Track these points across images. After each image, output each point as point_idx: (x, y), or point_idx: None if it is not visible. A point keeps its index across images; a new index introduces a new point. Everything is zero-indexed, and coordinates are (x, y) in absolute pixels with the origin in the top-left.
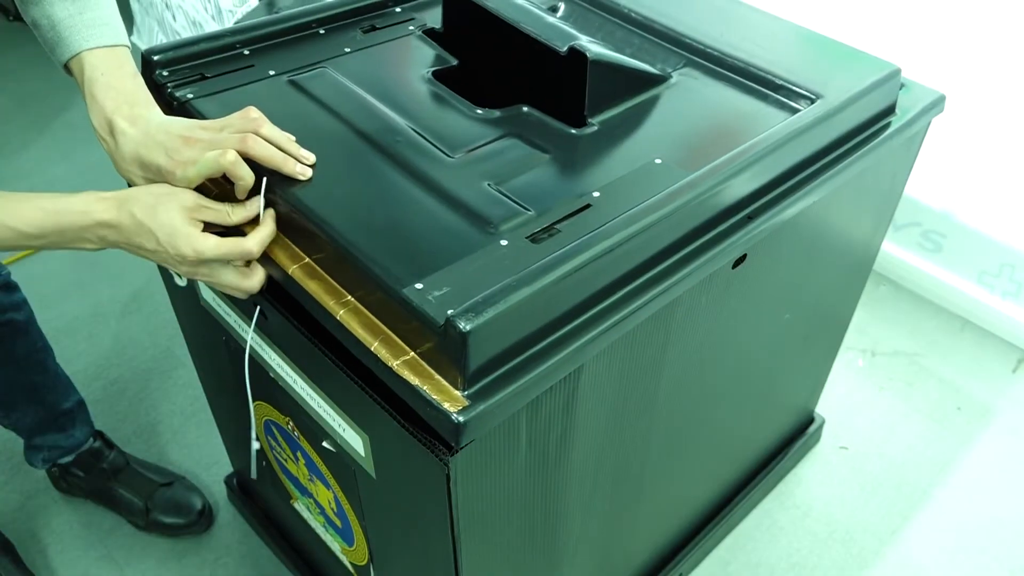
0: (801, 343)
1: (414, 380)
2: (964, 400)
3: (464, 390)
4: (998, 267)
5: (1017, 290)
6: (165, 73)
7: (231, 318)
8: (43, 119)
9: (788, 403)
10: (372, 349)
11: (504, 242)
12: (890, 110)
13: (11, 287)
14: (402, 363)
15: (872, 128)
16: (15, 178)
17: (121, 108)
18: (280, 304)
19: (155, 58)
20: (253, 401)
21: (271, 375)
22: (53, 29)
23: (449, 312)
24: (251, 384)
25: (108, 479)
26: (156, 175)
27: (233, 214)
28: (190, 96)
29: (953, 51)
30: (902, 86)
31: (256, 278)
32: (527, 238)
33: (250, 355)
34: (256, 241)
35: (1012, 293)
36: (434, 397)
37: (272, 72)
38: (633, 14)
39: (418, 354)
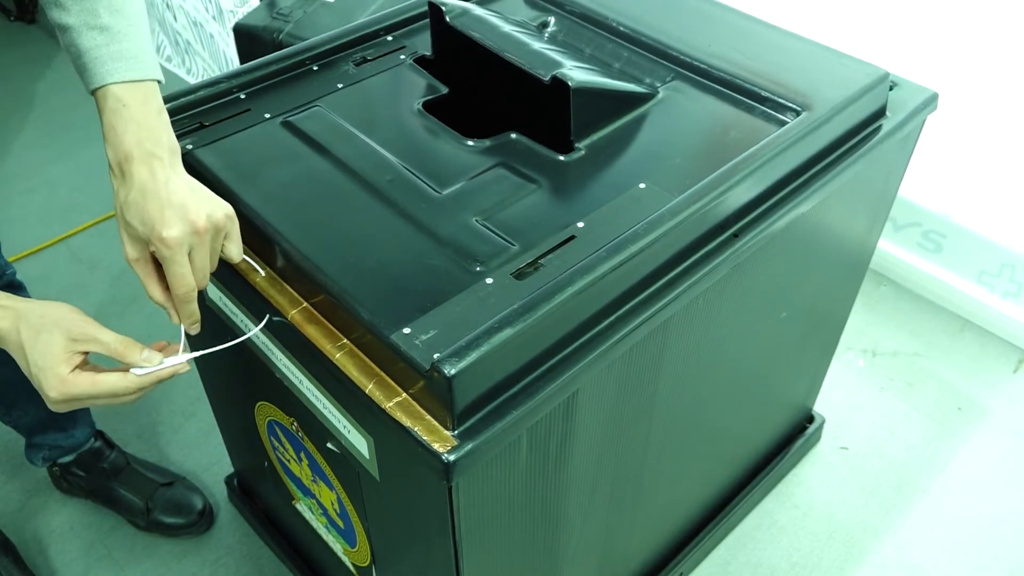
0: (798, 341)
1: (406, 421)
2: (964, 400)
3: (453, 429)
4: (998, 267)
5: (1017, 290)
6: None
7: (238, 318)
8: (43, 119)
9: (786, 401)
10: (367, 391)
11: (490, 280)
12: (880, 113)
13: (15, 286)
14: (395, 405)
15: (862, 133)
16: (15, 178)
17: (143, 144)
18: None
19: None
20: (257, 402)
21: (276, 375)
22: (79, 58)
23: (435, 357)
24: (256, 384)
25: (108, 479)
26: (142, 236)
27: (127, 354)
28: (189, 147)
29: (954, 52)
30: (894, 85)
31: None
32: (512, 275)
33: (256, 355)
34: (135, 395)
35: (1012, 293)
36: (424, 438)
37: (267, 115)
38: (621, 27)
39: (410, 395)
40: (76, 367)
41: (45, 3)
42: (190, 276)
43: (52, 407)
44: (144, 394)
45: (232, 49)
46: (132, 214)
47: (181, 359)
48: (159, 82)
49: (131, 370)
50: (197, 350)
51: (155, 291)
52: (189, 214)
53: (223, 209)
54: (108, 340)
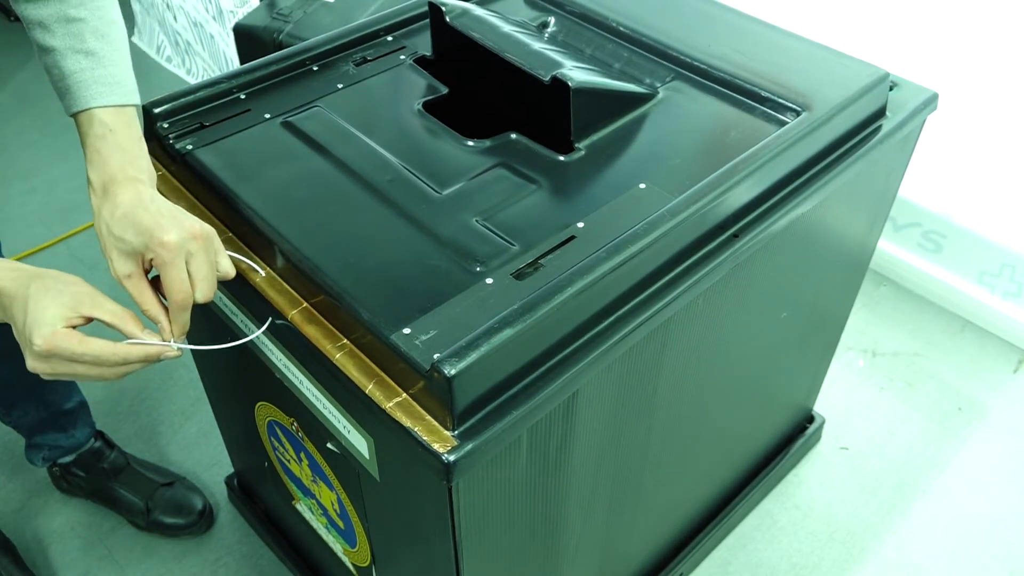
0: (798, 341)
1: (406, 422)
2: (964, 400)
3: (454, 430)
4: (998, 267)
5: (1017, 290)
6: (166, 125)
7: (238, 318)
8: (43, 119)
9: (786, 401)
10: (367, 392)
11: (490, 280)
12: (880, 113)
13: None
14: (395, 405)
15: (862, 133)
16: (15, 178)
17: (126, 170)
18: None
19: (155, 111)
20: (257, 402)
21: (276, 375)
22: (62, 80)
23: (435, 357)
24: (256, 384)
25: (109, 479)
26: (136, 247)
27: (128, 323)
28: (190, 147)
29: (954, 52)
30: (894, 85)
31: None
32: (512, 275)
33: (256, 355)
34: (117, 369)
35: (1012, 293)
36: (424, 438)
37: (267, 115)
38: (621, 27)
39: (410, 395)
40: (70, 327)
41: (28, 23)
42: (187, 282)
43: (31, 362)
44: (125, 373)
45: (232, 49)
46: (124, 227)
47: (175, 344)
48: (137, 107)
49: (125, 341)
50: (195, 345)
51: (151, 304)
52: (184, 221)
53: (206, 223)
54: (113, 308)
